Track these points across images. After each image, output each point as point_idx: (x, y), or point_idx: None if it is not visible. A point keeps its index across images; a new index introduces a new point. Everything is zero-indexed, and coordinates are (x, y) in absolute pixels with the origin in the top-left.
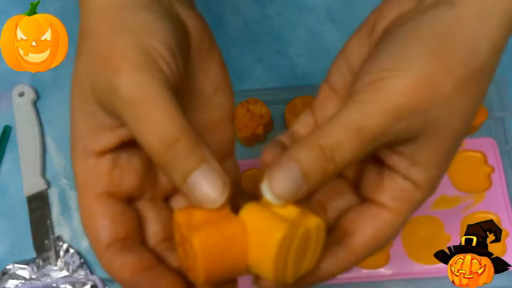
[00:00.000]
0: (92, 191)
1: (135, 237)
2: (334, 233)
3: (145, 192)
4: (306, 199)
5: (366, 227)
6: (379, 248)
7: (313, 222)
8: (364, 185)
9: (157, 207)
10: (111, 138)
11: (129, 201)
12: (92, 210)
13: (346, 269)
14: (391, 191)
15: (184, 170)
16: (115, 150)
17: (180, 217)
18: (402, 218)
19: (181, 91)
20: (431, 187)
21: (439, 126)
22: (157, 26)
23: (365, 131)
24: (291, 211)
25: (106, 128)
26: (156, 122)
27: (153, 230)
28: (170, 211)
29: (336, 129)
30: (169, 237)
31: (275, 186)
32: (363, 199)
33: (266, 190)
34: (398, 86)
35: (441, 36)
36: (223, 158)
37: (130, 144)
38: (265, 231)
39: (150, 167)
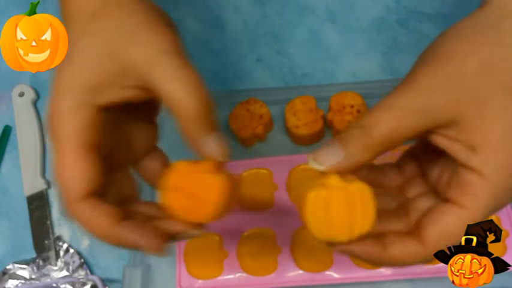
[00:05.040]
0: (74, 142)
1: (107, 192)
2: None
3: (118, 155)
4: (350, 172)
5: (437, 222)
6: (452, 243)
7: (355, 186)
8: (438, 184)
9: (126, 170)
10: (114, 95)
11: (105, 160)
12: (71, 161)
13: (415, 260)
14: (461, 186)
15: (205, 133)
16: (108, 109)
17: (184, 167)
18: (475, 214)
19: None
20: (499, 173)
21: (482, 103)
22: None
23: (399, 108)
24: (334, 180)
25: (111, 85)
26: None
27: (122, 189)
28: (130, 175)
29: (375, 109)
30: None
31: (317, 155)
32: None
33: (311, 159)
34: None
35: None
36: (153, 148)
37: (121, 108)
38: (304, 195)
39: (125, 134)
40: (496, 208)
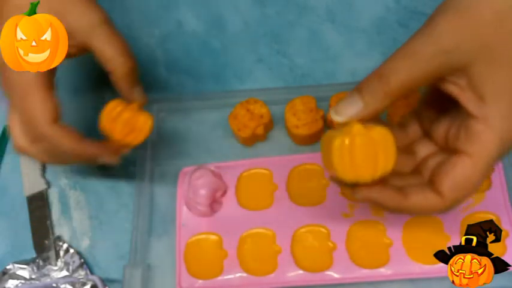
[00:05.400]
0: (38, 83)
1: (60, 118)
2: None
3: None
4: (370, 119)
5: (450, 173)
6: (468, 193)
7: (377, 131)
8: (449, 138)
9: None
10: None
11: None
12: (39, 96)
13: (433, 210)
14: (468, 136)
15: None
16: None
17: (118, 104)
18: (484, 161)
19: None
20: (506, 122)
21: (492, 52)
22: None
23: (414, 54)
24: (356, 127)
25: None
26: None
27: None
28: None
29: (391, 58)
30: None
31: (338, 107)
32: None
33: (333, 113)
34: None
35: None
36: None
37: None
38: (329, 143)
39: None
40: (505, 153)
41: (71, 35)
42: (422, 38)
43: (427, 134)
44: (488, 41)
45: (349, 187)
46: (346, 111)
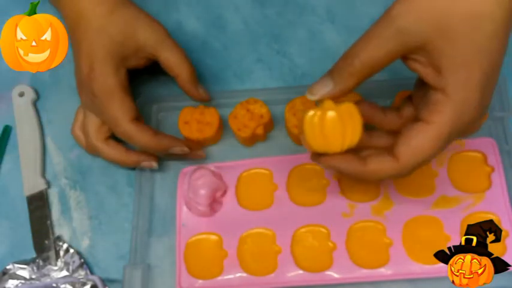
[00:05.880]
0: (120, 89)
1: (139, 118)
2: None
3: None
4: (340, 97)
5: (408, 139)
6: (423, 160)
7: (345, 107)
8: (417, 107)
9: None
10: (134, 62)
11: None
12: (120, 99)
13: (389, 173)
14: (428, 106)
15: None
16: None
17: (189, 109)
18: (439, 128)
19: None
20: (461, 90)
21: (447, 28)
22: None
23: (375, 36)
24: (327, 104)
25: (133, 56)
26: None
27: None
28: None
29: (356, 41)
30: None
31: (312, 88)
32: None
33: (307, 93)
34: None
35: None
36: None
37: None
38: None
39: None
40: (461, 125)
41: (141, 49)
42: (382, 21)
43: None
44: (442, 18)
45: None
46: (318, 91)
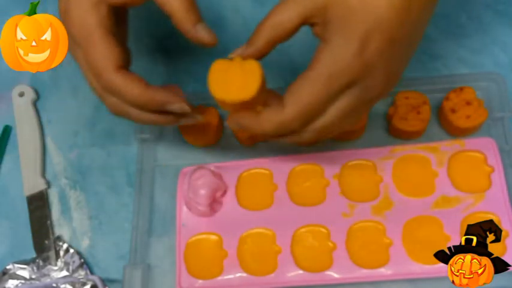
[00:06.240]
0: (101, 29)
1: (128, 65)
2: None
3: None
4: (253, 57)
5: (292, 87)
6: (308, 109)
7: (250, 63)
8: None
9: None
10: None
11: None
12: (102, 42)
13: (280, 121)
14: (314, 55)
15: (193, 23)
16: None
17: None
18: (320, 74)
19: None
20: (337, 37)
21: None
22: None
23: (279, 4)
24: (236, 59)
25: None
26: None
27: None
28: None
29: (271, 10)
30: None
31: (234, 51)
32: None
33: (229, 55)
34: None
35: None
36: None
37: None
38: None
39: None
40: (339, 71)
41: None
42: None
43: None
44: None
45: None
46: (236, 51)
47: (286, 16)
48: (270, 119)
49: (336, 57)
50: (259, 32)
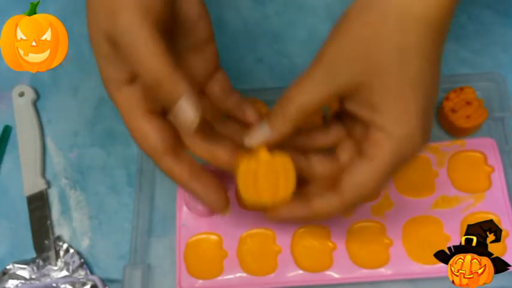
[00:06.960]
0: (136, 113)
1: (180, 144)
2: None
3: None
4: (277, 142)
5: (351, 175)
6: (366, 195)
7: (278, 158)
8: (359, 141)
9: None
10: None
11: (163, 114)
12: (142, 127)
13: (336, 211)
14: (369, 142)
15: (172, 100)
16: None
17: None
18: (381, 165)
19: (171, 23)
20: (397, 124)
21: (376, 66)
22: None
23: (308, 81)
24: (262, 153)
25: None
26: (147, 64)
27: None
28: None
29: (290, 85)
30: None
31: (250, 134)
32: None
33: (245, 139)
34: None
35: None
36: (214, 70)
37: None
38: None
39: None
40: (404, 159)
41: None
42: (314, 64)
43: (349, 134)
44: (371, 59)
45: (262, 211)
46: (256, 136)
47: (316, 97)
48: (327, 210)
49: (403, 149)
50: (284, 114)
